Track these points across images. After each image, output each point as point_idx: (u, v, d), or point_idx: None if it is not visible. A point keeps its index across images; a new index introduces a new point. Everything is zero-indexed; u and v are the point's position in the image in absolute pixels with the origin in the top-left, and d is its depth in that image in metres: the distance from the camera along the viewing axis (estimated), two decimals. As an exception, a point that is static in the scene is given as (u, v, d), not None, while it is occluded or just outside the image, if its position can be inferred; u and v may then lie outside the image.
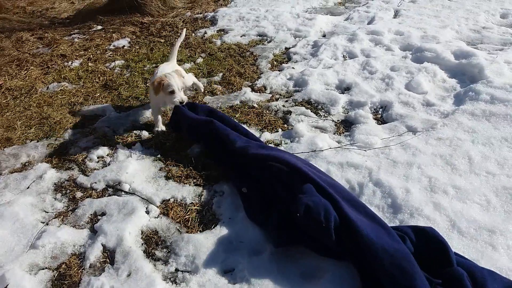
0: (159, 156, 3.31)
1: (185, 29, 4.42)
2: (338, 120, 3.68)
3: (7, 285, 2.28)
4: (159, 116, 3.64)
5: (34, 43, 6.01)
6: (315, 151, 3.16)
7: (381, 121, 3.65)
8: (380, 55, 4.73)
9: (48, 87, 4.54)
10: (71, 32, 6.37)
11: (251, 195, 2.81)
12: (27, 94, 4.43)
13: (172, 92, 3.24)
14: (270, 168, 2.80)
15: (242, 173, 2.97)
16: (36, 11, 7.82)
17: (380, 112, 3.77)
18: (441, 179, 2.81)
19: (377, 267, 2.15)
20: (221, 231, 2.59)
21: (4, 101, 4.30)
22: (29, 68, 5.06)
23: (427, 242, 2.29)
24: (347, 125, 3.61)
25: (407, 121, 3.51)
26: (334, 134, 3.49)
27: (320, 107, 3.89)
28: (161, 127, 3.63)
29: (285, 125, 3.65)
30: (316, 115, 3.76)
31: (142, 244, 2.56)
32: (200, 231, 2.62)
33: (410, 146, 3.16)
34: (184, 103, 3.35)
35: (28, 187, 3.04)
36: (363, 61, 4.58)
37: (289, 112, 3.81)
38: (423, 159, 3.01)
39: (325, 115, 3.77)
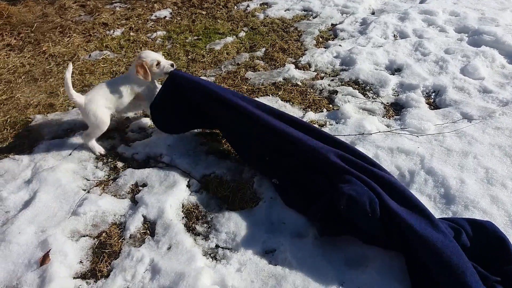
0: (200, 130, 3.24)
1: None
2: (387, 103, 3.49)
3: (50, 249, 2.29)
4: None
5: (76, 10, 6.00)
6: (363, 134, 3.01)
7: (434, 106, 3.44)
8: (434, 36, 4.45)
9: (90, 55, 4.52)
10: (113, 1, 6.32)
11: (285, 185, 2.63)
12: (69, 61, 4.42)
13: (159, 63, 2.95)
14: (308, 161, 2.56)
15: (271, 164, 2.72)
16: (79, -22, 7.80)
17: (433, 96, 3.55)
18: (499, 171, 2.62)
19: (425, 260, 2.02)
20: (262, 210, 2.51)
21: (47, 67, 4.31)
22: (72, 35, 5.05)
23: (485, 237, 2.14)
24: (397, 108, 3.42)
25: (462, 107, 3.29)
26: (383, 117, 3.32)
27: (368, 88, 3.70)
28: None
29: (331, 105, 3.50)
30: (364, 96, 3.58)
31: (182, 217, 2.52)
32: (241, 209, 2.54)
33: (466, 134, 2.96)
34: (175, 67, 3.01)
35: (70, 154, 3.04)
36: (416, 42, 4.32)
37: (335, 92, 3.64)
38: (479, 149, 2.81)
39: (374, 96, 3.58)
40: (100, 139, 3.17)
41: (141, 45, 4.70)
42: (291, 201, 2.54)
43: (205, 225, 2.47)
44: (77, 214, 2.52)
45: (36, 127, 3.38)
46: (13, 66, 4.34)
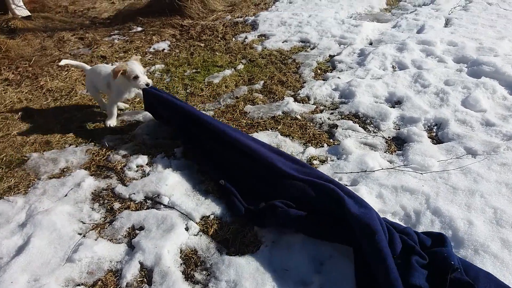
0: (198, 167, 3.18)
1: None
2: (389, 137, 3.44)
3: (42, 302, 2.19)
4: (116, 110, 3.79)
5: (75, 43, 6.03)
6: (365, 171, 2.95)
7: (436, 140, 3.39)
8: (433, 67, 4.45)
9: (88, 90, 4.49)
10: (111, 33, 6.37)
11: (230, 187, 2.89)
12: (67, 96, 4.40)
13: (136, 77, 3.37)
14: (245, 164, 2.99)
15: (219, 163, 3.11)
16: (77, 10, 7.89)
17: (435, 130, 3.50)
18: (508, 211, 2.54)
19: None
20: (263, 256, 2.41)
21: (45, 103, 4.28)
22: (70, 69, 5.05)
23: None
24: (399, 143, 3.37)
25: (466, 142, 3.23)
26: (385, 152, 3.26)
27: (369, 121, 3.66)
28: (114, 121, 3.75)
29: (331, 140, 3.45)
30: (365, 130, 3.54)
31: (181, 264, 2.43)
32: (242, 254, 2.45)
33: (471, 171, 2.89)
34: (150, 86, 3.49)
35: (66, 195, 2.96)
36: (415, 73, 4.31)
37: (335, 126, 3.60)
38: (486, 187, 2.74)
39: (375, 130, 3.54)
40: (96, 177, 3.11)
41: (139, 79, 4.68)
42: (236, 206, 2.76)
43: (204, 272, 2.37)
44: (72, 261, 2.43)
45: (32, 166, 3.31)
46: (10, 101, 4.31)
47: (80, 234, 2.64)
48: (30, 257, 2.46)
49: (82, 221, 2.75)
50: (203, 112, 3.65)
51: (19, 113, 4.10)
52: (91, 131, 3.75)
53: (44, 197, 2.96)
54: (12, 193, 3.04)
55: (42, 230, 2.64)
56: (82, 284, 2.34)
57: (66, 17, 7.32)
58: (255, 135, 3.49)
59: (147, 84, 3.44)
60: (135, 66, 3.39)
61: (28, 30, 6.29)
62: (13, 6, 6.48)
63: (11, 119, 4.00)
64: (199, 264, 2.42)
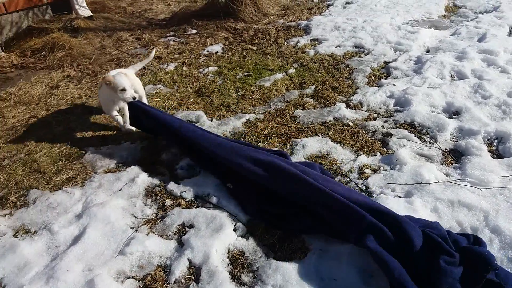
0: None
1: (154, 49, 4.56)
2: (446, 149, 3.30)
3: (95, 291, 2.27)
4: (118, 116, 3.75)
5: (132, 43, 6.26)
6: (421, 183, 2.84)
7: (497, 154, 3.21)
8: (495, 77, 4.23)
9: (144, 89, 4.64)
10: (167, 34, 6.55)
11: (239, 190, 2.94)
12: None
13: (123, 89, 3.31)
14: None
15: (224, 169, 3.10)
16: (135, 11, 8.19)
17: (495, 144, 3.32)
18: None
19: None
20: (311, 263, 2.38)
21: (103, 99, 4.47)
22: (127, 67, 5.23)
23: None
24: (456, 156, 3.22)
25: (530, 157, 3.05)
26: (442, 164, 3.13)
27: (425, 131, 3.53)
28: (128, 126, 3.76)
29: (384, 149, 3.36)
30: (421, 140, 3.41)
31: (228, 264, 2.44)
32: (289, 260, 2.43)
33: (536, 189, 2.72)
34: (136, 99, 3.44)
35: (120, 189, 3.07)
36: (475, 83, 4.11)
37: (389, 135, 3.50)
38: (553, 207, 2.57)
39: (431, 141, 3.40)
40: (150, 173, 3.20)
41: (193, 80, 4.79)
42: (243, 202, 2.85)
43: (250, 274, 2.37)
44: (124, 254, 2.51)
45: (89, 159, 3.46)
46: (71, 97, 4.54)
47: (132, 228, 2.73)
48: (85, 247, 2.56)
49: (135, 216, 2.84)
50: (198, 125, 3.62)
51: (79, 108, 4.30)
52: (145, 129, 3.86)
53: (99, 190, 3.08)
54: (70, 184, 3.19)
55: (97, 222, 2.75)
56: (132, 277, 2.41)
57: (124, 17, 7.61)
58: (305, 140, 3.47)
59: (134, 98, 3.39)
60: (123, 78, 3.34)
61: (90, 30, 6.60)
62: (77, 7, 6.83)
63: (71, 114, 4.21)
64: (246, 266, 2.43)
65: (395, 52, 5.25)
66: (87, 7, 7.02)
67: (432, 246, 2.17)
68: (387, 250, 2.21)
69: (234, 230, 2.66)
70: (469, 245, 2.24)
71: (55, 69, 5.31)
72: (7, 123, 4.10)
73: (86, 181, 3.20)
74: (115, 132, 3.83)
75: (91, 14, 7.00)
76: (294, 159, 3.25)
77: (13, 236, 2.76)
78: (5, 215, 2.93)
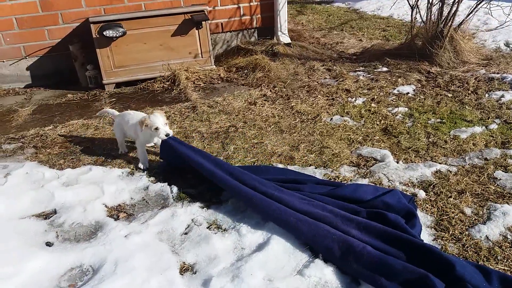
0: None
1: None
2: None
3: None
4: (145, 153, 4.03)
5: (323, 73, 6.54)
6: None
7: None
8: None
9: (331, 119, 4.81)
10: (357, 69, 6.67)
11: None
12: (312, 120, 4.80)
13: (157, 128, 3.65)
14: None
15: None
16: (327, 43, 8.55)
17: None
18: None
19: None
20: None
21: (293, 122, 4.77)
22: (317, 96, 5.50)
23: None
24: None
25: None
26: None
27: None
28: (145, 164, 4.00)
29: None
30: None
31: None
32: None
33: None
34: (170, 135, 3.73)
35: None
36: None
37: None
38: None
39: None
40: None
41: (380, 118, 4.76)
42: None
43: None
44: (302, 275, 2.59)
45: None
46: (266, 115, 4.96)
47: (312, 252, 2.81)
48: (267, 257, 2.73)
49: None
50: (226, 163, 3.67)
51: (271, 126, 4.68)
52: (330, 158, 3.96)
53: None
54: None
55: (280, 236, 2.91)
56: (306, 301, 2.48)
57: (317, 48, 8.02)
58: (506, 207, 3.11)
59: (167, 135, 3.70)
60: (157, 118, 3.68)
61: (286, 56, 7.14)
62: (279, 33, 7.46)
63: (265, 130, 4.59)
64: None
65: None
66: (287, 35, 7.62)
67: None
68: None
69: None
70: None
71: (254, 87, 5.88)
72: (212, 128, 4.70)
73: (272, 195, 3.43)
74: (301, 154, 4.03)
75: (290, 41, 7.56)
76: (492, 226, 2.94)
77: (207, 228, 3.11)
78: (202, 207, 3.34)
